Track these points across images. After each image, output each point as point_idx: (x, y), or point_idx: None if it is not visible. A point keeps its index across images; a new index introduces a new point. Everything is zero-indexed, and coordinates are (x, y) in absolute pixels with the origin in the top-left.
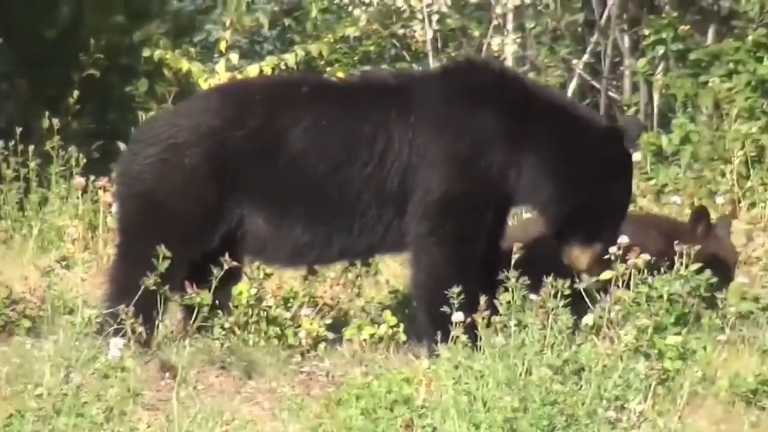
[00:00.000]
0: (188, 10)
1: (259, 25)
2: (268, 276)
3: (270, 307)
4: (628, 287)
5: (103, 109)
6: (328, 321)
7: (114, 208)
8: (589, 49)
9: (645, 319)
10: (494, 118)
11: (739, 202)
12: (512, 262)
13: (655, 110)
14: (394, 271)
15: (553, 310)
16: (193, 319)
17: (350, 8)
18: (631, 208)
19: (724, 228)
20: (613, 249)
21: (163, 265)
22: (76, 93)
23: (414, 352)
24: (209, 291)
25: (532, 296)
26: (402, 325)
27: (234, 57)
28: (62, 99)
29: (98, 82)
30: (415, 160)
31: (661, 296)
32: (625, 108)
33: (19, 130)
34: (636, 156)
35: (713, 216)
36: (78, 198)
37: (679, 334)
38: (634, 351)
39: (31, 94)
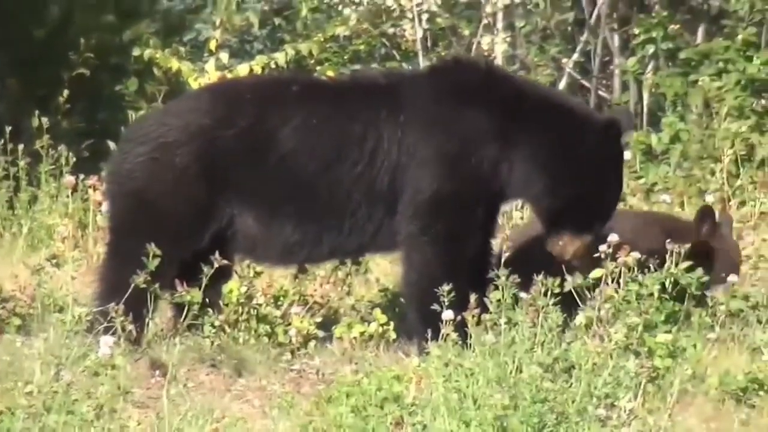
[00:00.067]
0: (178, 10)
1: (249, 24)
2: (258, 274)
3: (260, 305)
4: (618, 285)
5: (93, 108)
6: (318, 319)
7: (104, 207)
8: (579, 48)
9: (635, 317)
10: (482, 115)
11: (729, 200)
12: (502, 260)
13: (645, 109)
14: (384, 269)
15: (543, 308)
16: (183, 317)
17: (340, 7)
18: (620, 206)
19: (726, 226)
20: (603, 247)
21: (153, 264)
22: (66, 92)
23: (404, 350)
24: (199, 289)
25: (523, 294)
26: (392, 323)
27: (224, 56)
28: (52, 98)
29: (88, 81)
30: (405, 159)
31: (651, 294)
32: (615, 107)
33: (8, 128)
34: (625, 155)
35: None
36: (68, 197)
37: (669, 332)
38: (624, 349)
39: (21, 93)
